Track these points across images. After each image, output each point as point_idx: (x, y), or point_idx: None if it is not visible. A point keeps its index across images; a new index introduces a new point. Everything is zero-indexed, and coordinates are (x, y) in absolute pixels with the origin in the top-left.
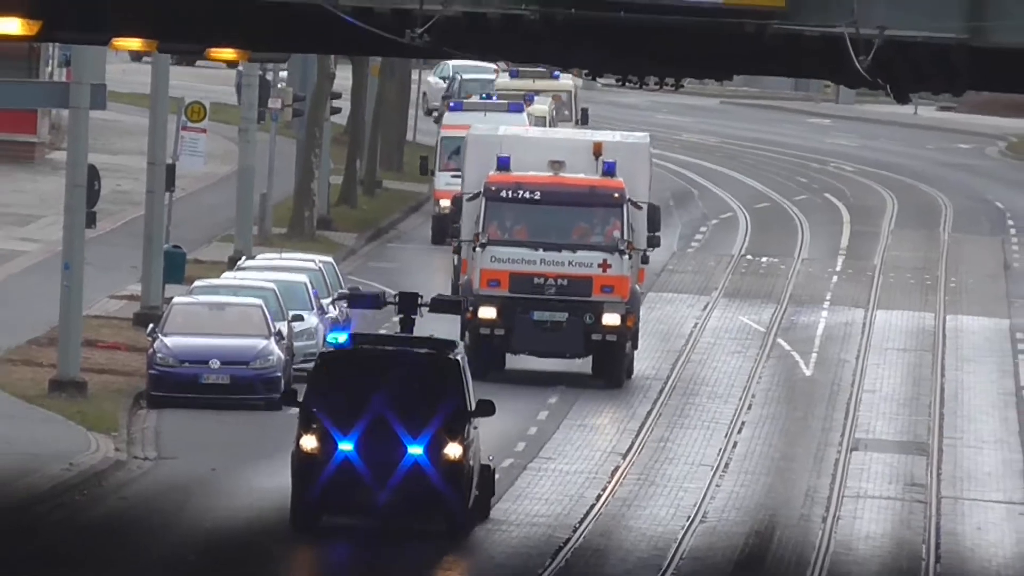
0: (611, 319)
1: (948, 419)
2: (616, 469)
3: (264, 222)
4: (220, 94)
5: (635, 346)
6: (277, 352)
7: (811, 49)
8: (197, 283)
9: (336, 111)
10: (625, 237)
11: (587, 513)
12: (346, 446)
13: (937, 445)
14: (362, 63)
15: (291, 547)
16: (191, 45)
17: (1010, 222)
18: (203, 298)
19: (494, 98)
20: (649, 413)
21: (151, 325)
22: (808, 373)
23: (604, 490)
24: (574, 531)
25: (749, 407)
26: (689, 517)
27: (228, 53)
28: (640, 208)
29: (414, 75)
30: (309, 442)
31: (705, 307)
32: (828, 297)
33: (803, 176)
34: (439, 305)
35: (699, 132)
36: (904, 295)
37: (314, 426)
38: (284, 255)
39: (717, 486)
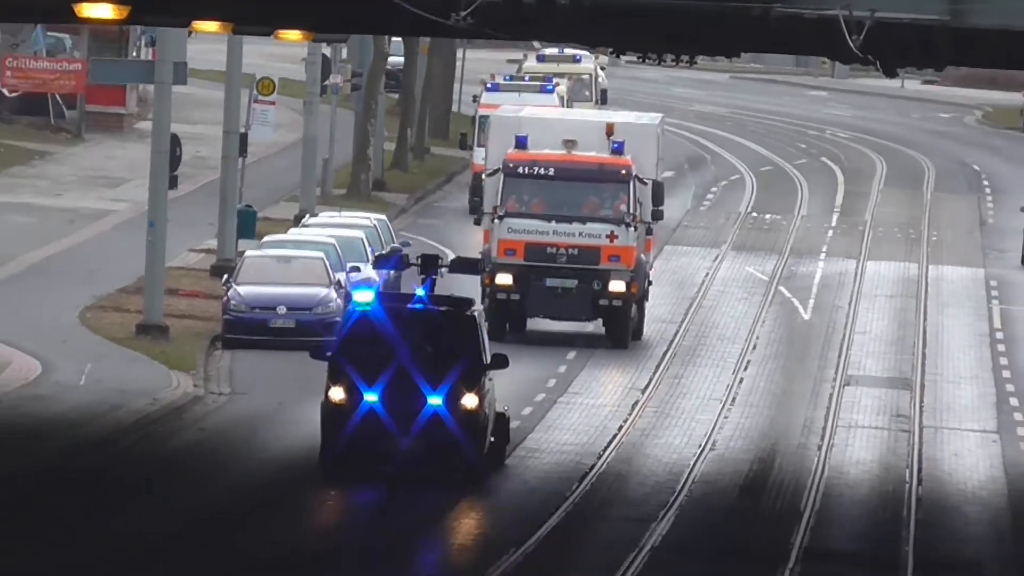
0: (617, 286)
1: (930, 357)
2: (636, 403)
3: (325, 184)
4: (287, 71)
5: (643, 310)
6: (336, 299)
7: (809, 29)
8: (266, 238)
9: (390, 86)
10: (631, 211)
11: (610, 442)
12: (371, 397)
13: (920, 381)
14: (413, 43)
15: (345, 473)
16: (263, 28)
17: (985, 183)
18: (272, 251)
19: (527, 79)
20: (665, 353)
21: (226, 275)
22: (806, 317)
23: (625, 421)
24: (599, 458)
25: (754, 347)
26: (700, 445)
27: (295, 34)
28: (646, 184)
29: (458, 53)
30: (337, 393)
31: (715, 259)
32: (824, 249)
33: (802, 142)
34: (458, 266)
35: (711, 104)
36: (891, 247)
37: (342, 379)
38: (343, 213)
39: (725, 418)
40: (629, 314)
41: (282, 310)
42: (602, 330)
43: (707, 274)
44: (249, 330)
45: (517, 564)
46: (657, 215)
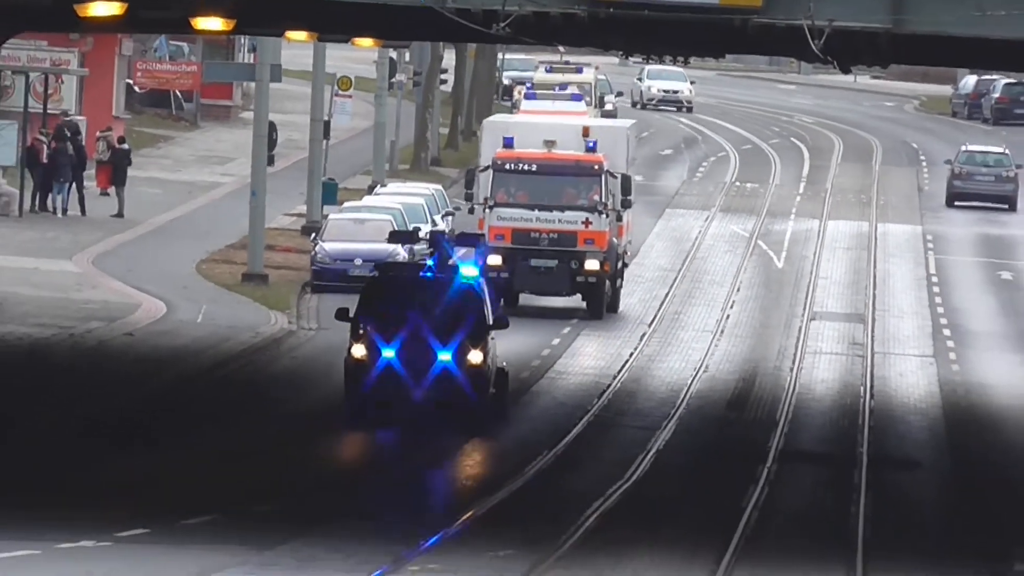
0: (592, 265)
1: (879, 297)
2: (643, 334)
3: (392, 161)
4: (362, 70)
5: (619, 285)
6: (402, 253)
7: (780, 36)
8: (346, 204)
9: (443, 82)
10: (603, 200)
11: (622, 366)
12: (388, 353)
13: (871, 316)
14: (462, 48)
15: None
16: (341, 36)
17: (922, 157)
18: (350, 215)
19: (556, 89)
20: (667, 295)
21: (313, 234)
22: (780, 266)
23: (635, 349)
24: (613, 378)
25: (738, 290)
26: (695, 368)
27: (367, 41)
28: (616, 178)
29: (499, 55)
30: (358, 350)
31: (706, 219)
32: (794, 211)
33: (775, 126)
34: (463, 239)
35: (701, 95)
36: (847, 209)
37: (362, 337)
38: (407, 184)
39: (715, 346)
40: (603, 289)
41: (358, 261)
42: (582, 305)
43: (699, 232)
44: (332, 278)
45: (550, 463)
46: (626, 204)
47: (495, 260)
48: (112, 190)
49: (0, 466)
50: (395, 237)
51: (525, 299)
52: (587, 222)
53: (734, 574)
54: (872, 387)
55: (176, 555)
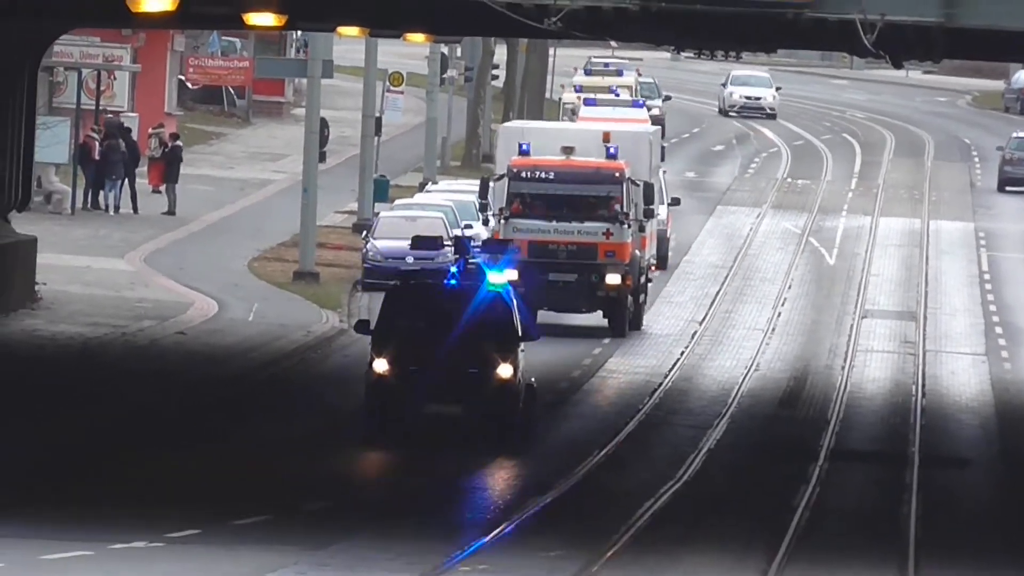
0: (613, 279)
1: (931, 295)
2: (695, 333)
3: (444, 158)
4: (413, 66)
5: (642, 301)
6: (450, 255)
7: (832, 30)
8: (397, 201)
9: (495, 77)
10: (625, 210)
11: (674, 364)
12: (413, 368)
13: (923, 313)
14: (514, 43)
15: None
16: (393, 31)
17: (974, 153)
18: (401, 212)
19: (616, 92)
20: (718, 292)
21: (364, 232)
22: (831, 263)
23: (686, 348)
24: (665, 377)
25: (789, 287)
26: (747, 367)
27: (419, 37)
28: (638, 186)
29: (551, 51)
30: (380, 365)
31: (758, 216)
32: (845, 208)
33: (827, 121)
34: (489, 245)
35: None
36: (899, 206)
37: (385, 351)
38: (458, 181)
39: (766, 344)
40: (626, 305)
41: (410, 259)
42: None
43: (751, 228)
44: (383, 276)
45: (601, 462)
46: (649, 213)
47: (510, 275)
48: (164, 187)
49: (52, 466)
50: (418, 243)
51: (542, 316)
52: (608, 233)
53: (785, 573)
54: (924, 385)
55: (228, 556)
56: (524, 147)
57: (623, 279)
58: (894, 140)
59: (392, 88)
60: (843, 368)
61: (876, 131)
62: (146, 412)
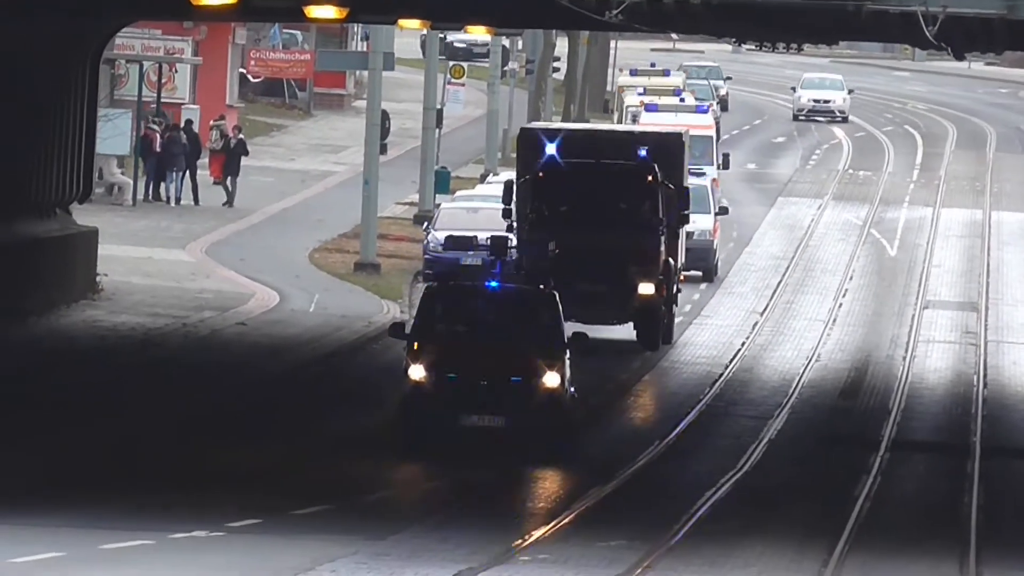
0: (646, 289)
1: (992, 285)
2: (755, 323)
3: (504, 149)
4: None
5: (672, 313)
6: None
7: (894, 22)
8: (458, 193)
9: (556, 70)
10: (659, 216)
11: (735, 355)
12: (451, 375)
13: (984, 304)
14: (575, 35)
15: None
16: (455, 24)
17: None
18: (462, 203)
19: (680, 97)
20: (779, 283)
21: (426, 223)
22: (893, 254)
23: (747, 339)
24: (725, 367)
25: (850, 278)
26: (808, 358)
27: (481, 29)
28: (672, 190)
29: (612, 44)
30: (416, 372)
31: (819, 207)
32: (907, 199)
33: (889, 113)
34: (496, 245)
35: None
36: (961, 197)
37: (421, 357)
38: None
39: (828, 335)
40: (659, 316)
41: (471, 253)
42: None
43: (812, 219)
44: (444, 267)
45: (662, 452)
46: (684, 219)
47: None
48: (227, 180)
49: (114, 456)
50: (451, 242)
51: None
52: (639, 240)
53: (846, 564)
54: (985, 376)
55: (288, 545)
56: (549, 148)
57: (657, 289)
58: (956, 132)
59: (453, 80)
60: (904, 359)
61: (938, 123)
62: (206, 404)
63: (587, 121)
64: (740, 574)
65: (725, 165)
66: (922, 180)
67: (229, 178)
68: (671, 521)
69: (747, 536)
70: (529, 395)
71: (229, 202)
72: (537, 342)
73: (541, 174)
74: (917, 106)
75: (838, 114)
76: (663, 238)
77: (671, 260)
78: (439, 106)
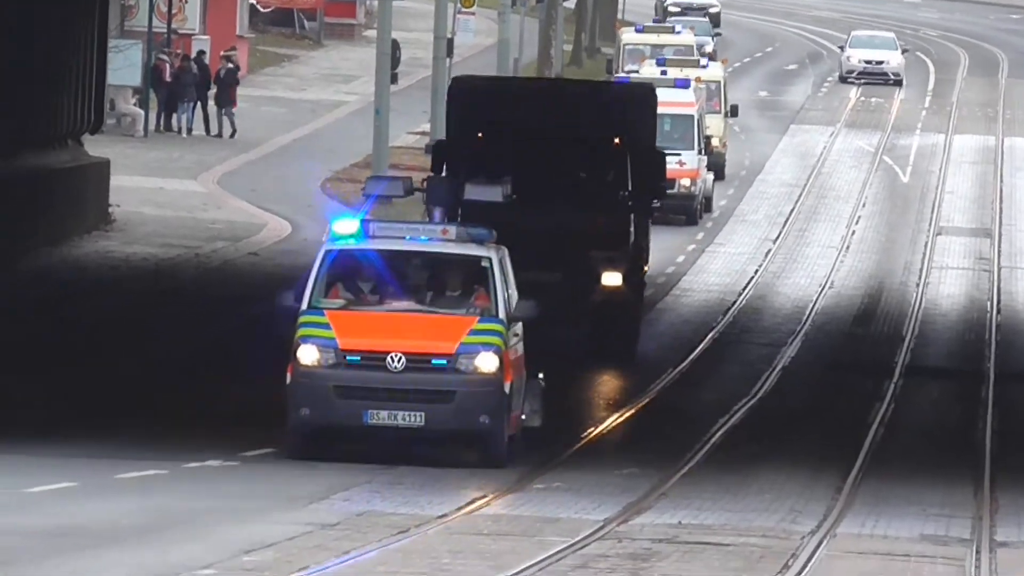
0: (611, 279)
1: (1005, 212)
2: (768, 251)
3: (517, 76)
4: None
5: (640, 311)
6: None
7: None
8: None
9: None
10: (624, 189)
11: (748, 283)
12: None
13: (997, 230)
14: None
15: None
16: None
17: None
18: None
19: (665, 70)
20: (792, 210)
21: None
22: (905, 180)
23: (760, 266)
24: (739, 295)
25: (863, 205)
26: (821, 285)
27: None
28: (645, 155)
29: None
30: (308, 354)
31: (831, 134)
32: (919, 126)
33: (901, 40)
34: (435, 187)
35: (826, 9)
36: (973, 123)
37: (316, 334)
38: None
39: (841, 262)
40: (630, 314)
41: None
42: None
43: (824, 147)
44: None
45: (675, 380)
46: (659, 192)
47: None
48: (224, 111)
49: (126, 387)
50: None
51: None
52: (599, 218)
53: (860, 489)
54: (999, 302)
55: (303, 474)
56: (483, 106)
57: (625, 279)
58: (968, 58)
59: (464, 9)
60: (918, 285)
61: (950, 49)
62: (219, 333)
63: (598, 51)
64: (754, 500)
65: (734, 114)
66: (934, 107)
67: (224, 109)
68: (685, 448)
69: (761, 462)
70: (456, 383)
71: (219, 133)
72: (468, 317)
73: (480, 136)
74: (929, 33)
75: (892, 76)
76: (632, 216)
77: (643, 243)
78: (450, 35)
